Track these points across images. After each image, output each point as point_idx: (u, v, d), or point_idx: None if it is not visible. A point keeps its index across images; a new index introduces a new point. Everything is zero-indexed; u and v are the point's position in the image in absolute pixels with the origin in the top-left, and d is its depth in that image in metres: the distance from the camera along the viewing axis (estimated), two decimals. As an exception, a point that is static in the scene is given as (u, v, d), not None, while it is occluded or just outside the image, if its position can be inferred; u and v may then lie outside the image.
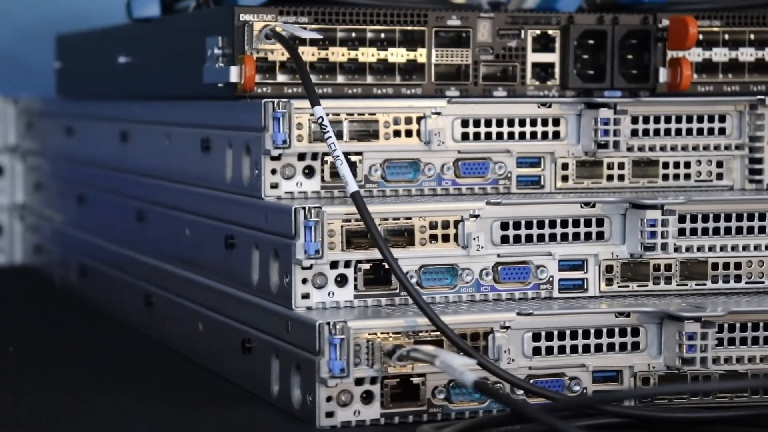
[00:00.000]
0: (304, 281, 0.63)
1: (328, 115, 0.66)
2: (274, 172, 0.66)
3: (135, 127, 0.86)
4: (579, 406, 0.57)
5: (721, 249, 0.68)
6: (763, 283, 0.69)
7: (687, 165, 0.72)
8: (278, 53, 0.68)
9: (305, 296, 0.63)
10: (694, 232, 0.68)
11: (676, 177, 0.71)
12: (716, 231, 0.68)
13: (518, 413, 0.54)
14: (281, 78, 0.69)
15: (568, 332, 0.64)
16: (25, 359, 0.76)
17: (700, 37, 0.74)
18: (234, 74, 0.68)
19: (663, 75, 0.73)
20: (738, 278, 0.69)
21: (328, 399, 0.61)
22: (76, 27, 1.03)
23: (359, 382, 0.61)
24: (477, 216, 0.66)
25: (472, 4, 0.74)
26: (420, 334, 0.61)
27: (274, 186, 0.66)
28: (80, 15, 1.11)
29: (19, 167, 1.14)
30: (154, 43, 0.82)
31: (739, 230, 0.68)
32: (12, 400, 0.67)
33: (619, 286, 0.68)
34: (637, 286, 0.68)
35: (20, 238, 1.14)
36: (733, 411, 0.62)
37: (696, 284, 0.68)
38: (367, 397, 0.61)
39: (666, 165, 0.71)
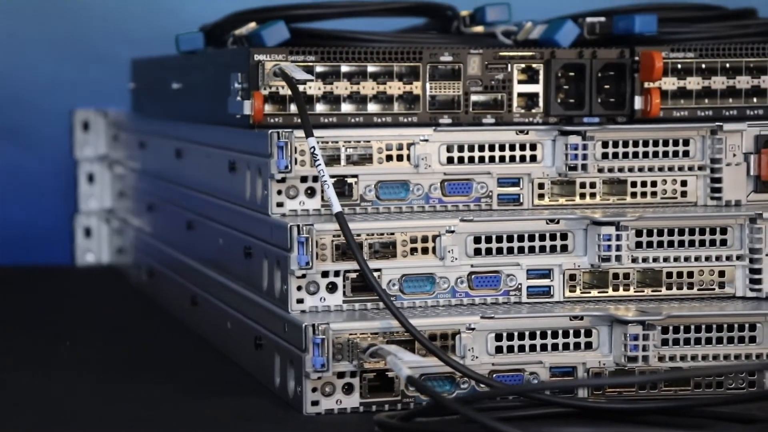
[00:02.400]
0: (299, 288, 0.74)
1: (327, 143, 0.77)
2: (279, 192, 0.77)
3: (186, 145, 0.97)
4: (506, 393, 0.67)
5: (675, 260, 0.76)
6: (713, 290, 0.77)
7: (654, 184, 0.80)
8: (288, 88, 0.79)
9: (300, 301, 0.74)
10: (650, 244, 0.76)
11: (644, 195, 0.80)
12: (670, 243, 0.77)
13: (440, 404, 0.63)
14: (292, 109, 0.80)
15: (527, 333, 0.73)
16: (81, 350, 0.88)
17: (679, 66, 0.83)
18: (247, 107, 0.79)
19: (638, 103, 0.82)
20: (690, 285, 0.77)
21: (314, 390, 0.71)
22: (152, 51, 1.15)
23: (341, 375, 0.71)
24: (453, 231, 0.75)
25: (463, 43, 0.84)
26: (394, 334, 0.71)
27: (280, 204, 0.77)
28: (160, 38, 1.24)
29: (107, 175, 1.27)
30: (196, 73, 0.94)
31: (691, 243, 0.77)
32: (45, 381, 0.78)
33: (581, 293, 0.76)
34: (598, 292, 0.77)
35: (107, 240, 1.26)
36: (663, 403, 0.70)
37: (652, 291, 0.77)
38: (348, 389, 0.71)
39: (634, 184, 0.80)
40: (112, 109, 1.26)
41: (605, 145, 0.79)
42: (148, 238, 1.10)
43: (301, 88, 0.78)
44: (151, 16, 1.29)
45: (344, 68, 0.80)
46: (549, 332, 0.73)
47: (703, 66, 0.83)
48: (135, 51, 1.21)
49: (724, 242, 0.77)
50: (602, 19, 0.87)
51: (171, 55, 0.99)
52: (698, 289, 0.77)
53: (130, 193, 1.19)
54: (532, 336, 0.73)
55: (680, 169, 0.80)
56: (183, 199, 0.98)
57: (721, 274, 0.77)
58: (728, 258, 0.77)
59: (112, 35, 1.31)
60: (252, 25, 0.87)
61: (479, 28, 0.94)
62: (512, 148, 0.79)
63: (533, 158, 0.79)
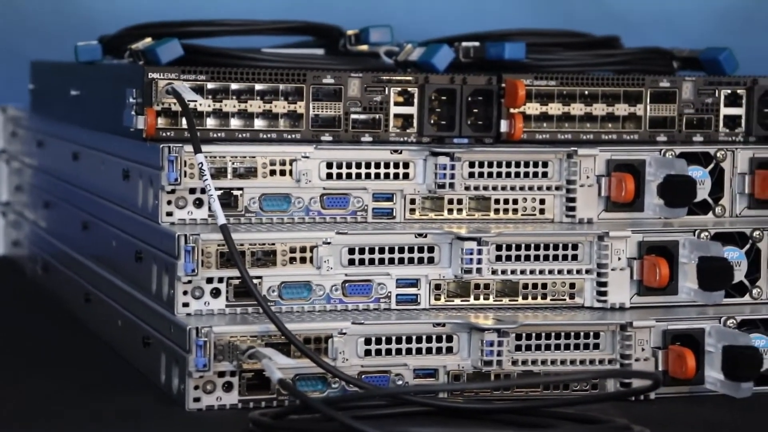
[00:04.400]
0: (185, 293, 0.80)
1: (215, 157, 0.83)
2: (169, 202, 0.83)
3: (83, 149, 1.03)
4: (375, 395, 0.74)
5: (531, 272, 0.84)
6: (564, 300, 0.85)
7: (515, 202, 0.87)
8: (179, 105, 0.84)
9: (185, 305, 0.80)
10: (509, 258, 0.84)
11: (506, 211, 0.87)
12: (527, 257, 0.84)
13: (305, 404, 0.70)
14: (183, 124, 0.85)
15: (394, 338, 0.80)
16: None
17: (542, 92, 0.90)
18: (140, 122, 0.84)
19: (503, 126, 0.89)
20: (544, 296, 0.84)
21: (196, 387, 0.77)
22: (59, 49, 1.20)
23: (221, 374, 0.77)
24: (329, 243, 0.82)
25: (347, 63, 0.90)
26: (272, 337, 0.78)
27: (170, 214, 0.83)
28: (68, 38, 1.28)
29: (4, 169, 1.31)
30: (94, 83, 0.99)
31: (546, 257, 0.84)
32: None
33: (446, 301, 0.84)
34: (461, 301, 0.84)
35: (2, 232, 1.30)
36: (514, 403, 0.77)
37: (510, 300, 0.84)
38: (228, 387, 0.77)
39: (497, 201, 0.87)
40: (11, 106, 1.30)
41: (472, 165, 0.86)
42: (44, 234, 1.15)
43: (191, 105, 0.84)
44: (60, 16, 1.33)
45: (233, 86, 0.86)
46: (414, 337, 0.80)
47: (564, 93, 0.91)
48: (40, 49, 1.25)
49: (575, 257, 0.84)
50: (476, 44, 0.94)
51: (71, 62, 1.04)
52: (551, 299, 0.85)
53: (27, 189, 1.24)
54: (399, 341, 0.80)
55: (539, 188, 0.87)
56: (79, 200, 1.03)
57: (572, 286, 0.85)
58: (578, 271, 0.84)
59: (15, 31, 1.35)
60: (148, 40, 0.92)
61: (364, 47, 1.01)
62: (387, 165, 0.86)
63: (406, 176, 0.86)
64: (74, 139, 1.05)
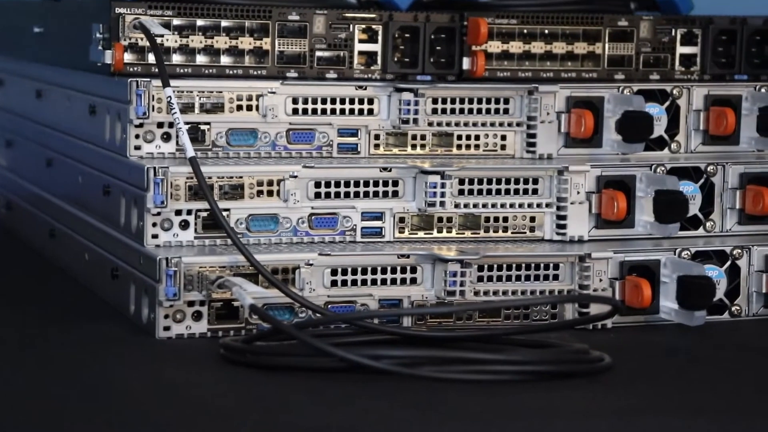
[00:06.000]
0: (154, 225, 0.81)
1: (183, 92, 0.84)
2: (137, 136, 0.84)
3: (46, 87, 1.03)
4: (334, 320, 0.76)
5: (492, 206, 0.86)
6: (525, 233, 0.87)
7: (477, 137, 0.89)
8: (147, 40, 0.85)
9: (155, 236, 0.81)
10: (471, 192, 0.86)
11: (468, 147, 0.89)
12: (489, 191, 0.86)
13: (278, 329, 0.72)
14: (150, 60, 0.86)
15: (359, 269, 0.82)
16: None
17: (503, 31, 0.92)
18: (108, 57, 0.85)
19: (465, 63, 0.91)
20: (506, 229, 0.87)
21: (166, 317, 0.79)
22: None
23: (191, 304, 0.79)
24: (295, 176, 0.83)
25: (309, 3, 0.91)
26: (240, 268, 0.79)
27: (138, 148, 0.84)
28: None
29: (-37, 109, 1.31)
30: (58, 20, 0.99)
31: (507, 191, 0.86)
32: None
33: (410, 234, 0.85)
34: (425, 234, 0.86)
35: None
36: (474, 332, 0.80)
37: (472, 233, 0.86)
38: (197, 316, 0.79)
39: (460, 137, 0.89)
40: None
41: (435, 101, 0.88)
42: (6, 172, 1.15)
43: (159, 40, 0.85)
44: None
45: (200, 22, 0.87)
46: (379, 269, 0.82)
47: (525, 31, 0.92)
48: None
49: (535, 191, 0.86)
50: (439, -17, 0.96)
51: (34, -1, 1.05)
52: (512, 233, 0.87)
53: (-12, 129, 1.24)
54: (364, 272, 0.82)
55: (501, 124, 0.89)
56: (43, 138, 1.04)
57: (532, 219, 0.87)
58: (539, 205, 0.86)
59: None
60: (113, -24, 0.93)
61: (328, -14, 1.02)
62: (351, 101, 0.87)
63: (370, 111, 0.87)
64: (37, 77, 1.05)
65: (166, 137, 0.84)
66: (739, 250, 0.87)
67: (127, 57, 0.85)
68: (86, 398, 0.68)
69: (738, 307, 0.87)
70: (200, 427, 0.64)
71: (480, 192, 0.86)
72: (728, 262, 0.87)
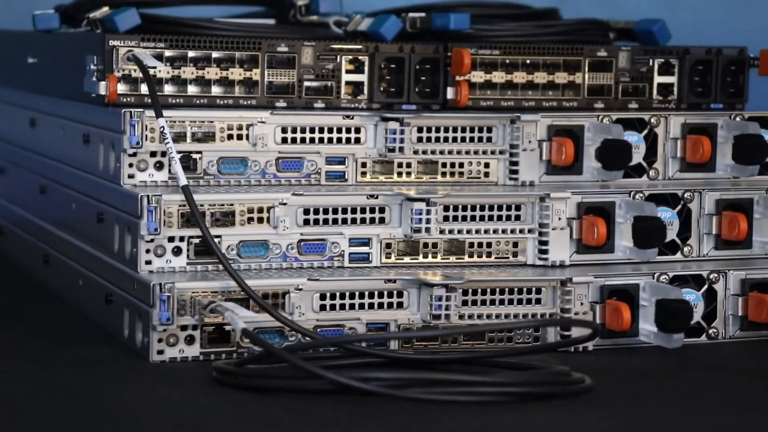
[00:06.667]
0: (148, 251, 0.83)
1: (174, 122, 0.86)
2: (131, 165, 0.86)
3: (40, 116, 1.05)
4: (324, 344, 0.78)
5: (476, 231, 0.88)
6: (508, 258, 0.89)
7: (461, 165, 0.92)
8: (140, 71, 0.88)
9: (148, 262, 0.84)
10: (456, 218, 0.88)
11: (453, 174, 0.91)
12: (473, 218, 0.88)
13: (269, 353, 0.74)
14: (143, 90, 0.88)
15: (347, 293, 0.84)
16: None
17: (486, 61, 0.94)
18: (102, 88, 0.87)
19: (450, 93, 0.93)
20: (489, 254, 0.89)
21: (160, 340, 0.81)
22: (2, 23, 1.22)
23: (184, 328, 0.81)
24: (285, 203, 0.86)
25: (298, 33, 0.94)
26: (232, 293, 0.82)
27: (131, 176, 0.86)
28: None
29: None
30: (52, 51, 1.02)
31: (491, 217, 0.89)
32: None
33: (396, 259, 0.88)
34: (410, 259, 0.88)
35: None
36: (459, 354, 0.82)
37: (456, 258, 0.89)
38: (190, 340, 0.81)
39: (444, 165, 0.91)
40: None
41: (420, 130, 0.90)
42: (-1, 199, 1.18)
43: (151, 71, 0.87)
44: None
45: (191, 54, 0.89)
46: (366, 293, 0.84)
47: (507, 62, 0.95)
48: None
49: (518, 217, 0.89)
50: (423, 14, 0.98)
51: (26, 30, 1.07)
52: (495, 258, 0.89)
53: (-20, 156, 1.26)
54: (352, 296, 0.84)
55: (484, 152, 0.92)
56: (36, 165, 1.06)
57: (515, 244, 0.89)
58: (521, 231, 0.89)
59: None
60: (105, 9, 0.95)
61: (313, 18, 1.04)
62: (339, 130, 0.90)
63: (357, 140, 0.90)
64: (31, 106, 1.08)
65: (159, 166, 0.87)
66: (716, 275, 0.90)
67: (121, 88, 0.88)
68: (83, 416, 0.71)
69: (715, 330, 0.90)
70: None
71: (464, 218, 0.88)
72: (705, 286, 0.90)
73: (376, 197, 0.87)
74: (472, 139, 0.92)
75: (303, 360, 0.72)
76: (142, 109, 0.86)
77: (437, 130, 0.91)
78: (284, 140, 0.89)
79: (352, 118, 0.90)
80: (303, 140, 0.89)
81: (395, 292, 0.85)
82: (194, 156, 0.87)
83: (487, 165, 0.92)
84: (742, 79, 0.98)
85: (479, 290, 0.86)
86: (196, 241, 0.84)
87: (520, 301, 0.86)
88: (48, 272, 1.02)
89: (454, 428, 0.70)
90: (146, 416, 0.71)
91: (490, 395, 0.73)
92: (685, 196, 0.92)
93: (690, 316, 0.87)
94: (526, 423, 0.71)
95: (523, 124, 0.91)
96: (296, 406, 0.72)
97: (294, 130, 0.89)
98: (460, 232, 0.88)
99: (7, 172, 1.16)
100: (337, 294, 0.84)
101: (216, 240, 0.83)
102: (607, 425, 0.72)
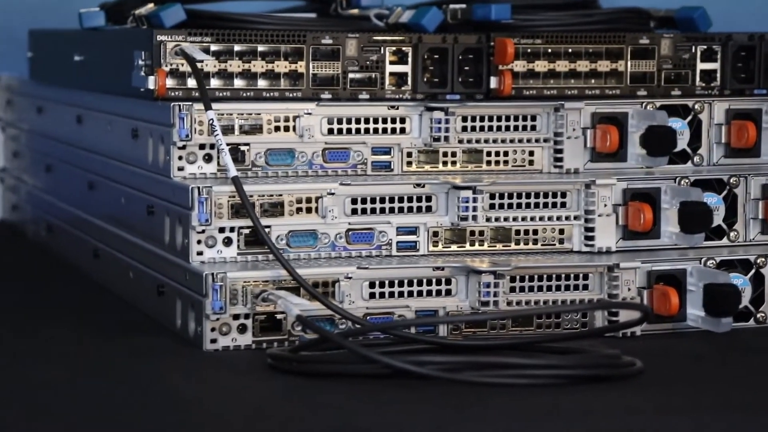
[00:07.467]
0: (199, 242, 0.85)
1: (223, 115, 0.87)
2: (180, 158, 0.87)
3: (87, 112, 1.07)
4: (372, 329, 0.79)
5: (522, 219, 0.89)
6: (554, 245, 0.90)
7: (506, 154, 0.92)
8: (187, 65, 0.89)
9: (200, 253, 0.85)
10: (502, 206, 0.89)
11: (497, 163, 0.92)
12: (519, 205, 0.89)
13: (324, 338, 0.75)
14: (190, 84, 0.90)
15: (396, 281, 0.85)
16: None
17: (528, 50, 0.95)
18: (151, 83, 0.89)
19: (493, 83, 0.94)
20: (535, 241, 0.90)
21: (213, 329, 0.82)
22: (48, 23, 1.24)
23: (236, 317, 0.82)
24: (333, 193, 0.86)
25: (340, 26, 0.95)
26: (282, 282, 0.83)
27: (181, 169, 0.87)
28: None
29: (0, 136, 1.34)
30: (99, 48, 1.03)
31: (536, 205, 0.89)
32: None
33: (443, 247, 0.89)
34: (457, 247, 0.89)
35: (1, 197, 1.34)
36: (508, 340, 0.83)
37: (503, 246, 0.89)
38: (242, 329, 0.82)
39: (489, 153, 0.92)
40: (5, 74, 1.34)
41: (465, 119, 0.91)
42: (46, 196, 1.19)
43: (199, 65, 0.88)
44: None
45: (237, 48, 0.90)
46: (415, 281, 0.85)
47: (549, 51, 0.95)
48: (28, 22, 1.29)
49: (564, 204, 0.90)
50: (464, 6, 0.99)
51: (71, 29, 1.08)
52: (542, 245, 0.90)
53: (26, 154, 1.27)
54: (401, 284, 0.85)
55: (528, 141, 0.92)
56: (84, 162, 1.07)
57: (561, 231, 0.90)
58: (567, 218, 0.90)
59: (5, 5, 1.39)
60: (150, 5, 0.96)
61: (354, 11, 1.05)
62: (384, 121, 0.91)
63: (402, 130, 0.91)
64: (78, 103, 1.09)
65: (208, 158, 0.88)
66: (763, 259, 0.90)
67: (169, 82, 0.89)
68: (148, 403, 0.72)
69: (763, 314, 0.90)
70: (261, 429, 0.68)
71: (510, 206, 0.89)
72: (752, 271, 0.90)
73: (423, 186, 0.88)
74: (516, 128, 0.92)
75: (359, 345, 0.73)
76: (190, 103, 0.87)
77: (482, 119, 0.92)
78: (330, 131, 0.90)
79: (397, 109, 0.91)
80: (349, 131, 0.90)
81: (443, 280, 0.86)
82: (242, 148, 0.88)
83: (531, 153, 0.93)
84: (784, 65, 0.99)
85: (527, 277, 0.86)
86: (246, 231, 0.85)
87: (567, 287, 0.87)
88: (98, 266, 1.03)
89: (509, 410, 0.71)
90: (209, 401, 0.72)
91: (543, 378, 0.74)
92: (731, 181, 0.92)
93: (738, 300, 0.87)
94: (580, 403, 0.72)
95: (567, 112, 0.92)
96: (353, 391, 0.73)
97: (340, 121, 0.90)
98: (506, 219, 0.89)
99: (53, 169, 1.18)
100: (386, 282, 0.85)
101: (266, 230, 0.84)
102: (664, 403, 0.72)
